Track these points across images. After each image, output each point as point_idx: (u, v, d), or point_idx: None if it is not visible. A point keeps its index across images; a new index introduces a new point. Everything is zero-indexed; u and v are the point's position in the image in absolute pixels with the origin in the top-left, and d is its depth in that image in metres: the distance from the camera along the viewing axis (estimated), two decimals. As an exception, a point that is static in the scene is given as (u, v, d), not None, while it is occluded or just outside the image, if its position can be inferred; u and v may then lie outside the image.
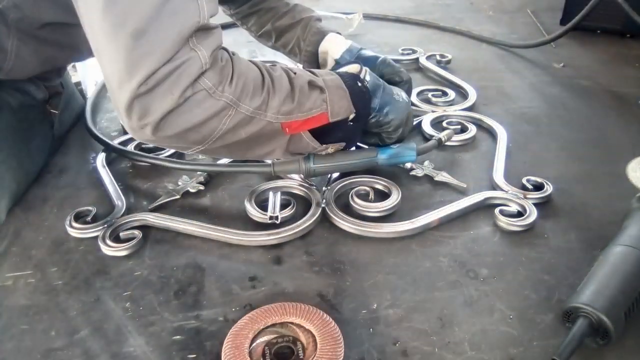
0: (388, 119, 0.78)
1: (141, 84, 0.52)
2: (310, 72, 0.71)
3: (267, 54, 1.37)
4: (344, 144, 0.77)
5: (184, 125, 0.58)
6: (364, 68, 0.78)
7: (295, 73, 0.68)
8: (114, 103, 0.56)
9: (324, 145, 0.73)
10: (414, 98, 1.09)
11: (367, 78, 0.77)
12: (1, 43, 0.74)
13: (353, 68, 0.79)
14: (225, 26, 1.56)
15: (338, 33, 1.02)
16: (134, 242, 0.71)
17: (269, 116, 0.64)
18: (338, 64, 0.99)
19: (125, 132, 0.97)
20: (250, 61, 0.65)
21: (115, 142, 0.92)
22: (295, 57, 1.05)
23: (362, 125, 0.78)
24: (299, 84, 0.66)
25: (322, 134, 0.72)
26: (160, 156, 0.87)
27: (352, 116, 0.73)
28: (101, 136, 0.92)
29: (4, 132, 0.81)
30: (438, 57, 1.30)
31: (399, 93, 0.81)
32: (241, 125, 0.63)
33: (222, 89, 0.58)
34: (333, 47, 0.99)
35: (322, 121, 0.70)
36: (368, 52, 0.97)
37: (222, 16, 1.62)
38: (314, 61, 1.01)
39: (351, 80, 0.74)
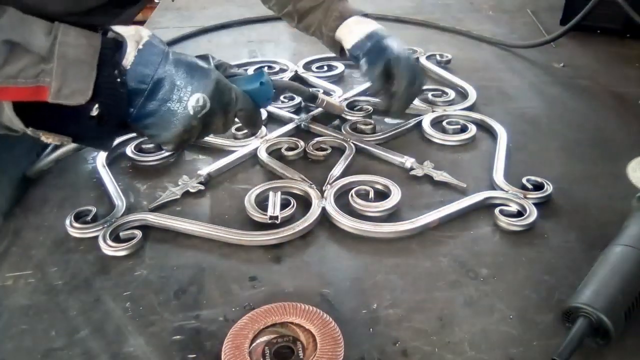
0: (150, 133, 0.63)
1: None
2: (56, 28, 0.54)
3: (267, 54, 1.37)
4: (69, 139, 0.59)
5: None
6: (145, 42, 0.59)
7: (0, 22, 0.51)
8: None
9: (30, 129, 0.56)
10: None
11: (129, 62, 0.57)
12: None
13: (132, 35, 0.59)
14: (225, 26, 1.57)
15: (364, 15, 0.94)
16: (134, 242, 0.71)
17: None
18: (353, 56, 0.92)
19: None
20: None
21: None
22: (320, 41, 0.99)
23: (113, 129, 0.61)
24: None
25: (45, 115, 0.56)
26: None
27: (95, 112, 0.56)
28: None
29: None
30: (438, 57, 1.30)
31: (184, 97, 0.60)
32: None
33: None
34: (347, 36, 0.90)
35: (38, 96, 0.53)
36: (390, 42, 0.87)
37: (221, 17, 1.62)
38: (337, 47, 0.94)
39: (109, 61, 0.57)
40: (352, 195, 0.78)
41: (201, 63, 0.63)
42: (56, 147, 0.89)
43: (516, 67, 1.30)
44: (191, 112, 0.61)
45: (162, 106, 0.60)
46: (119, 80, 0.57)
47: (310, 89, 0.85)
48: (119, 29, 0.59)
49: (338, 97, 1.09)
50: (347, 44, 0.91)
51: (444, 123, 0.98)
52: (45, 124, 0.57)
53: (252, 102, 0.70)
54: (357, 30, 0.91)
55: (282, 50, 1.41)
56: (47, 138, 0.58)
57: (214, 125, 0.67)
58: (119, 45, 0.58)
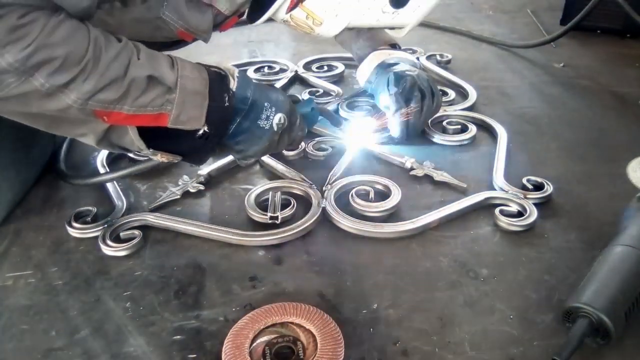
0: (240, 148, 0.71)
1: None
2: (176, 62, 0.62)
3: (267, 54, 1.37)
4: (180, 157, 0.69)
5: None
6: (238, 71, 0.68)
7: (140, 59, 0.59)
8: None
9: (151, 150, 0.65)
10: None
11: (234, 87, 0.67)
12: None
13: (229, 69, 0.69)
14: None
15: (392, 45, 0.98)
16: (134, 242, 0.71)
17: (73, 99, 0.55)
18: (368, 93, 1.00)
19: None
20: (92, 32, 0.56)
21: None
22: (351, 54, 1.05)
23: (213, 145, 0.69)
24: (133, 75, 0.58)
25: (158, 136, 0.64)
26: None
27: (202, 131, 0.65)
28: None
29: (4, 142, 0.78)
30: (438, 57, 1.30)
31: (270, 115, 0.69)
32: (33, 98, 0.55)
33: (6, 49, 0.50)
34: (361, 77, 0.98)
35: (159, 122, 0.62)
36: (399, 68, 0.91)
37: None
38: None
39: (218, 89, 0.65)
40: (352, 195, 0.78)
41: (276, 87, 0.72)
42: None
43: (516, 67, 1.30)
44: (275, 129, 0.70)
45: (253, 124, 0.68)
46: (227, 104, 0.65)
47: (340, 117, 0.95)
48: (210, 63, 0.67)
49: (338, 96, 1.09)
50: (361, 83, 0.99)
51: (444, 123, 0.98)
52: (159, 144, 0.65)
53: (304, 124, 0.79)
54: (368, 68, 0.96)
55: (282, 50, 1.41)
56: (161, 157, 0.67)
57: (283, 142, 0.74)
58: (219, 75, 0.66)
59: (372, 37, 1.00)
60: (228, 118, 0.66)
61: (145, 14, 0.65)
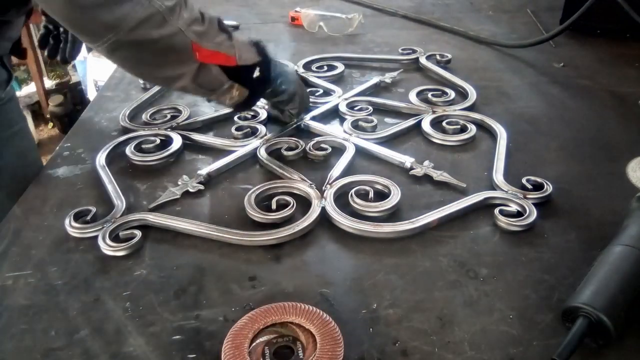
0: (282, 89, 0.89)
1: None
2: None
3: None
4: (247, 91, 0.83)
5: None
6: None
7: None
8: None
9: (230, 82, 0.78)
10: (413, 98, 1.09)
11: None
12: None
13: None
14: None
15: None
16: (133, 241, 0.71)
17: (181, 24, 0.68)
18: None
19: (125, 132, 0.98)
20: None
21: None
22: None
23: (266, 82, 0.85)
24: (209, 16, 0.73)
25: (229, 75, 0.78)
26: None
27: (256, 74, 0.81)
28: None
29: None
30: (438, 57, 1.29)
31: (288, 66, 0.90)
32: (153, 23, 0.66)
33: None
34: None
35: (229, 62, 0.77)
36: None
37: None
38: None
39: (255, 42, 0.83)
40: (352, 195, 0.78)
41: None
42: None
43: (516, 67, 1.30)
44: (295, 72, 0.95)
45: (282, 69, 0.90)
46: (265, 52, 0.83)
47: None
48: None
49: (338, 96, 1.09)
50: None
51: (444, 123, 0.98)
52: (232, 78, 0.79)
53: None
54: None
55: (282, 50, 1.41)
56: (237, 92, 0.81)
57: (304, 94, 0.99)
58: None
59: None
60: (269, 65, 0.84)
61: None
